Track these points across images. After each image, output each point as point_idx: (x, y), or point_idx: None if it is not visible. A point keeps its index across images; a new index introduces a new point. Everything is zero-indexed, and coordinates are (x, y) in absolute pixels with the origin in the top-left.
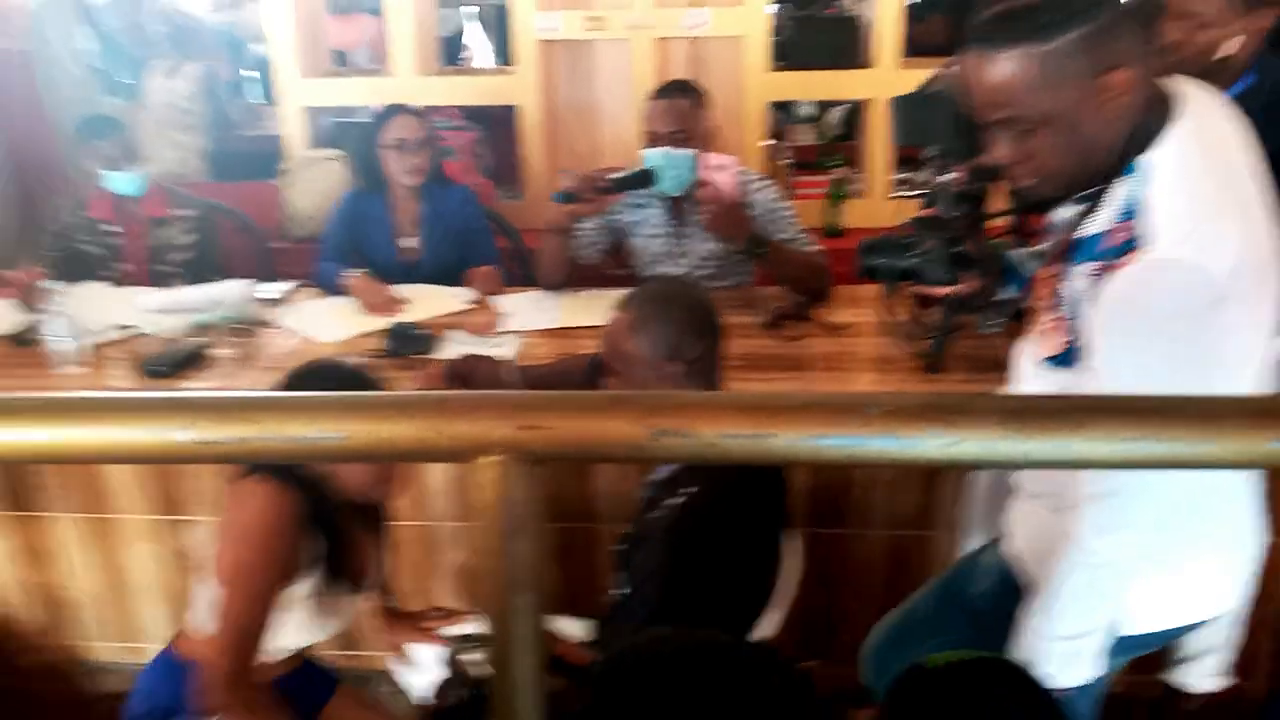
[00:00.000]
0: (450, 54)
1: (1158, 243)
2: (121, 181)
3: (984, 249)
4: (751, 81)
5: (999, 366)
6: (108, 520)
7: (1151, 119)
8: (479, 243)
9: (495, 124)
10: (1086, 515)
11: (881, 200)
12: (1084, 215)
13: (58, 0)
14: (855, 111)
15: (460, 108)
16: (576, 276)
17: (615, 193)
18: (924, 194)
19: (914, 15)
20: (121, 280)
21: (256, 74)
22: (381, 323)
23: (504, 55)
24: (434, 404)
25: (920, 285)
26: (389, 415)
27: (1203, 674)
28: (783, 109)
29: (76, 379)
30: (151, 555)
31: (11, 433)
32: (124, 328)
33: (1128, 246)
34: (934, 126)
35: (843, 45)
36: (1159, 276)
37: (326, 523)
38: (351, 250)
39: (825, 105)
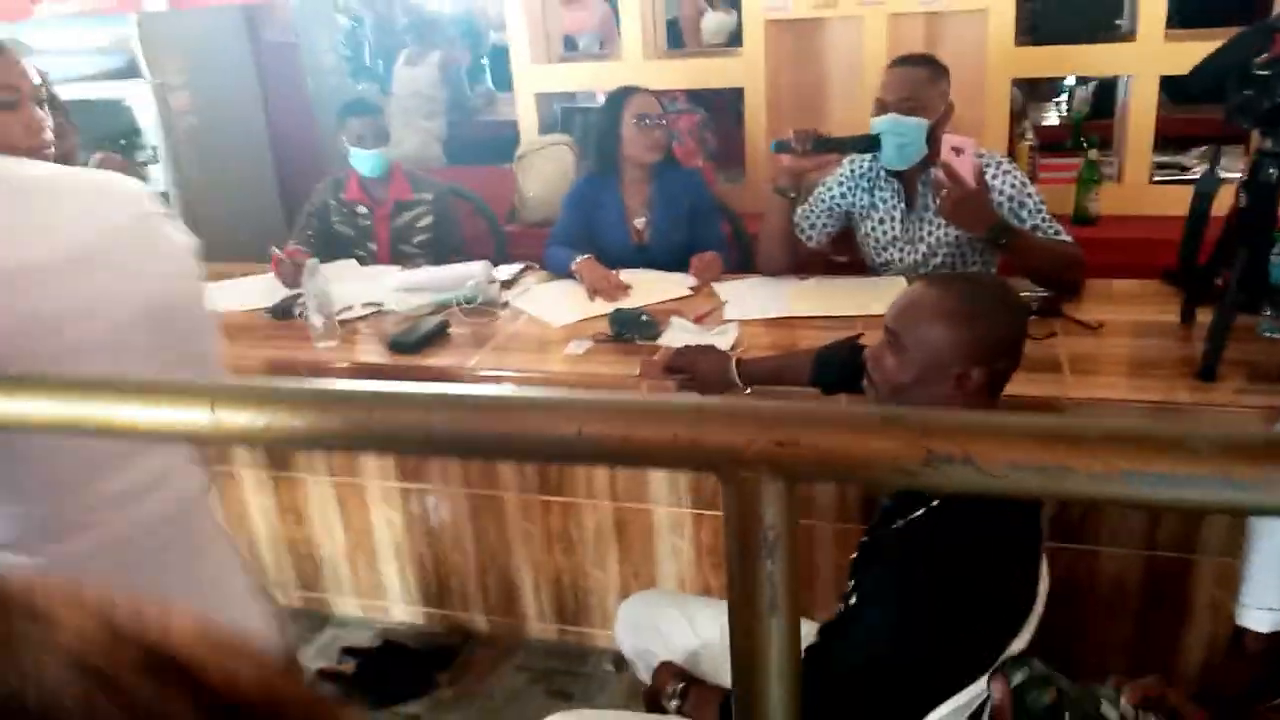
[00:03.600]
0: (677, 37)
1: None
2: (364, 159)
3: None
4: (995, 57)
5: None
6: (356, 485)
7: None
8: (706, 226)
9: (719, 106)
10: None
11: (1141, 186)
12: None
13: None
14: (1108, 88)
15: (685, 90)
16: (800, 262)
17: (834, 151)
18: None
19: None
20: (368, 260)
21: (490, 62)
22: (607, 307)
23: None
24: (690, 411)
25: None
26: (647, 419)
27: None
28: (1028, 86)
29: (328, 351)
30: (390, 521)
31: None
32: (372, 305)
33: None
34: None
35: (1099, 15)
36: None
37: None
38: (583, 234)
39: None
